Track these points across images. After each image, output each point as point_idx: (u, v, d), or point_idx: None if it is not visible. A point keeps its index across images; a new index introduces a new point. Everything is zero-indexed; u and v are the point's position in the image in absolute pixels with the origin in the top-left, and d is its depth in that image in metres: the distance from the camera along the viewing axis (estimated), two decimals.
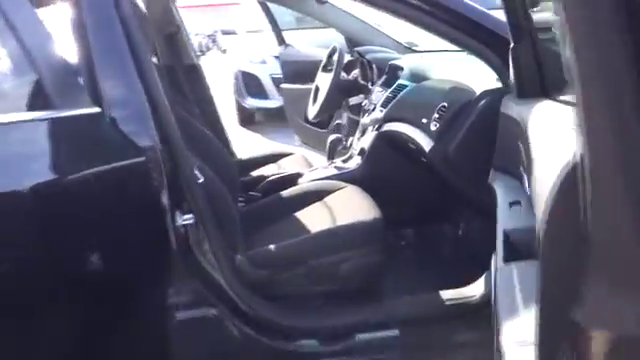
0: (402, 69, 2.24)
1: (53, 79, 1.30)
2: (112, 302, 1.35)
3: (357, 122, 2.54)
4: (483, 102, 1.54)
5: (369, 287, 1.76)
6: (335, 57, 2.48)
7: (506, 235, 1.14)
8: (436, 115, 1.69)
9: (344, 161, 2.36)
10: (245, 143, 5.52)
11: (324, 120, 3.39)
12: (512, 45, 1.33)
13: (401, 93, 2.09)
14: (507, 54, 1.42)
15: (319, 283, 1.71)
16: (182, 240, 1.42)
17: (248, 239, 1.93)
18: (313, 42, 4.08)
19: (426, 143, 1.70)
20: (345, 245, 1.74)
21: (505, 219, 1.16)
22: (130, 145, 1.32)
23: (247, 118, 6.36)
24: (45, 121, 1.30)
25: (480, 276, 1.66)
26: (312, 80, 3.25)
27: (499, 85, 1.63)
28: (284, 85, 3.79)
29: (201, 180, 1.52)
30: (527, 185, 1.08)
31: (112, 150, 1.34)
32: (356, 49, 2.61)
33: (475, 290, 1.69)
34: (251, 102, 6.09)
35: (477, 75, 1.84)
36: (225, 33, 7.22)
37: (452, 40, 1.57)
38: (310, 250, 1.73)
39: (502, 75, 1.48)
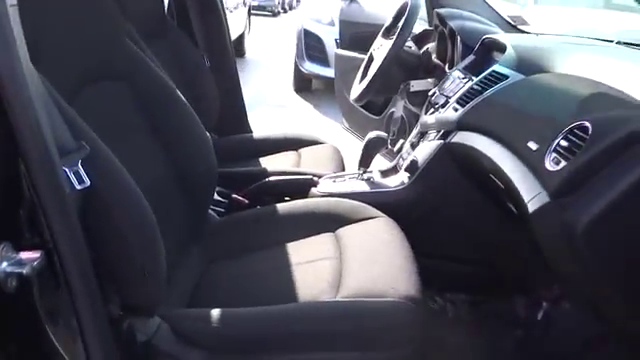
0: (503, 49, 1.39)
1: None
2: None
3: (416, 117, 1.73)
4: None
5: None
6: (403, 18, 1.66)
7: None
8: (562, 142, 0.86)
9: (384, 173, 1.56)
10: (292, 112, 4.83)
11: (376, 103, 2.60)
12: None
13: (496, 87, 1.26)
14: None
15: None
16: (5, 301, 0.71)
17: (202, 277, 1.21)
18: None
19: (529, 190, 0.88)
20: (343, 338, 0.98)
21: None
22: None
23: (303, 84, 5.63)
24: None
25: None
26: None
27: None
28: (338, 51, 3.00)
29: (82, 186, 0.79)
30: None
31: None
32: (437, 10, 1.77)
33: None
34: (309, 67, 5.31)
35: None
36: None
37: None
38: (281, 334, 0.98)
39: None
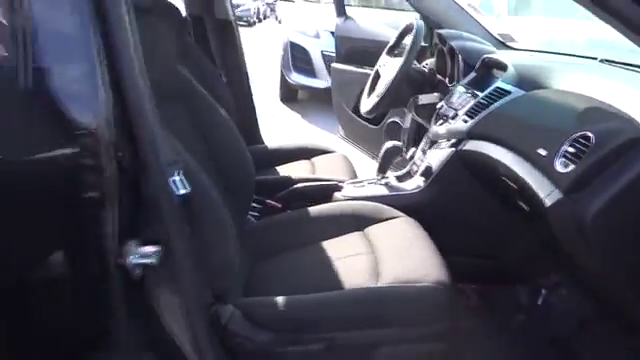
0: (504, 67, 1.60)
1: None
2: None
3: (423, 128, 1.92)
4: None
5: None
6: (409, 38, 1.85)
7: None
8: (568, 149, 1.06)
9: (399, 178, 1.75)
10: (282, 122, 4.99)
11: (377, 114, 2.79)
12: None
13: (500, 101, 1.46)
14: None
15: None
16: (131, 287, 0.86)
17: (250, 272, 1.37)
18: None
19: (544, 189, 1.08)
20: (389, 318, 1.16)
21: None
22: (53, 120, 0.76)
23: (290, 94, 5.79)
24: None
25: None
26: (370, 63, 2.67)
27: None
28: (335, 65, 3.18)
29: (183, 191, 0.94)
30: None
31: (13, 125, 0.77)
32: (438, 31, 1.98)
33: None
34: (296, 78, 5.49)
35: (629, 96, 1.21)
36: None
37: None
38: (337, 315, 1.15)
39: None
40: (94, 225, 0.80)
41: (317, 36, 5.47)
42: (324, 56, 5.31)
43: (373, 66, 2.46)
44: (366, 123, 2.84)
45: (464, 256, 1.65)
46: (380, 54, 2.22)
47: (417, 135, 2.01)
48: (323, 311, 1.15)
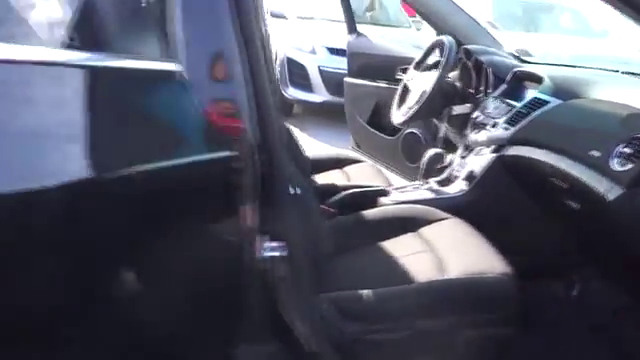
0: (538, 79, 1.74)
1: None
2: None
3: (457, 137, 2.06)
4: None
5: None
6: (443, 53, 1.99)
7: None
8: (625, 150, 1.20)
9: (440, 183, 1.87)
10: None
11: (388, 125, 2.92)
12: None
13: (539, 110, 1.60)
14: None
15: (426, 353, 1.24)
16: (263, 281, 0.96)
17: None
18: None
19: (603, 185, 1.21)
20: (464, 306, 1.27)
21: None
22: (213, 128, 0.86)
23: (285, 109, 5.88)
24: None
25: None
26: (382, 77, 2.81)
27: None
28: (348, 79, 3.32)
29: (296, 192, 1.05)
30: None
31: (181, 134, 0.87)
32: (465, 47, 2.12)
33: None
34: (293, 93, 5.63)
35: None
36: (274, 16, 6.75)
37: None
38: (416, 306, 1.26)
39: None
40: (238, 222, 0.90)
41: (313, 52, 5.63)
42: (321, 71, 5.48)
43: (385, 80, 2.61)
44: (381, 134, 2.97)
45: (505, 253, 1.77)
46: (392, 68, 2.35)
47: (452, 144, 2.14)
48: (403, 302, 1.25)
